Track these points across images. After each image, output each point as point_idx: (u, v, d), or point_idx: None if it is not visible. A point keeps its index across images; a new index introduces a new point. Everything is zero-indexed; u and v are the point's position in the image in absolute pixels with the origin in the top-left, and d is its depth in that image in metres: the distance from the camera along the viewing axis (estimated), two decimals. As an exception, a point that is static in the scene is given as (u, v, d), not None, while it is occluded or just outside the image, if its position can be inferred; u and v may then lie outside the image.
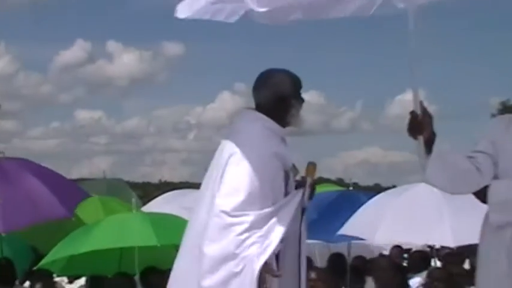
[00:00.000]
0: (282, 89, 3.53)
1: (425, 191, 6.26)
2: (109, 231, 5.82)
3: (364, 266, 7.49)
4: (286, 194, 3.46)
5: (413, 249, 8.99)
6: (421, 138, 3.32)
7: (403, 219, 6.18)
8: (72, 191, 6.88)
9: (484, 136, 3.59)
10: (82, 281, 7.63)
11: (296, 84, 3.59)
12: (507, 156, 3.47)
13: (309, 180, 3.49)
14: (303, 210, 3.43)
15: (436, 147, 3.31)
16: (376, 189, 7.78)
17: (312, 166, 3.52)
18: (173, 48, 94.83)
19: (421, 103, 3.31)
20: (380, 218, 6.37)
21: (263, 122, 3.48)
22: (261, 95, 3.55)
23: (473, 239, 5.77)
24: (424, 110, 3.31)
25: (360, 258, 8.18)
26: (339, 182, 18.94)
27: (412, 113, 3.31)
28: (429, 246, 9.74)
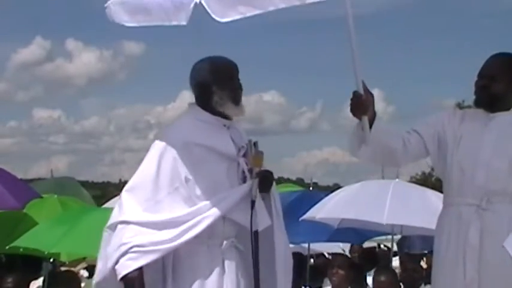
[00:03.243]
0: (200, 76, 3.40)
1: (380, 182, 6.89)
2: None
3: (324, 265, 7.55)
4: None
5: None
6: (365, 118, 3.31)
7: (350, 199, 6.46)
8: (23, 189, 6.85)
9: (431, 123, 3.59)
10: (39, 282, 7.53)
11: (218, 70, 3.38)
12: (461, 148, 3.49)
13: (255, 171, 3.33)
14: (253, 203, 3.26)
15: (373, 128, 3.32)
16: (335, 189, 7.84)
17: (257, 157, 3.36)
18: (134, 48, 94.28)
19: (363, 83, 3.27)
20: (330, 199, 6.65)
21: (194, 114, 3.40)
22: (190, 86, 3.48)
23: (404, 221, 6.20)
24: (366, 90, 3.29)
25: (321, 257, 8.28)
26: (299, 181, 19.06)
27: (355, 93, 3.27)
28: (386, 247, 9.90)
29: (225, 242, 3.30)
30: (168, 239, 3.15)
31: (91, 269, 8.37)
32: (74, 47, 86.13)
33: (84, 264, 8.61)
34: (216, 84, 3.37)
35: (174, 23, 3.07)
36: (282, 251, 3.37)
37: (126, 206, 3.24)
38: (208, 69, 3.40)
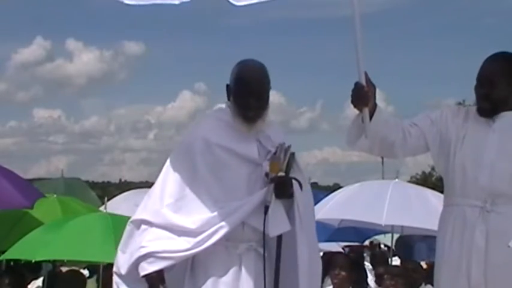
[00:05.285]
0: (230, 79, 3.40)
1: (379, 182, 6.69)
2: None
3: (324, 265, 7.54)
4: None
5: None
6: (366, 110, 3.27)
7: (349, 199, 6.52)
8: (29, 188, 6.86)
9: (434, 119, 3.53)
10: (39, 281, 7.54)
11: (238, 81, 3.35)
12: (464, 148, 3.45)
13: (270, 176, 3.28)
14: (266, 208, 3.22)
15: (373, 119, 3.29)
16: (335, 189, 7.84)
17: (274, 162, 3.31)
18: (134, 48, 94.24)
19: (365, 74, 3.23)
20: (329, 199, 6.71)
21: (221, 114, 3.42)
22: None
23: (403, 222, 6.23)
24: (369, 81, 3.25)
25: (326, 254, 8.27)
26: (299, 181, 18.99)
27: (357, 83, 3.23)
28: (387, 246, 9.91)
29: (241, 245, 3.30)
30: (183, 248, 3.25)
31: (91, 269, 8.38)
32: (74, 47, 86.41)
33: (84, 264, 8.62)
34: (233, 95, 3.37)
35: (177, 1, 3.01)
36: (306, 257, 3.28)
37: (151, 202, 3.36)
38: (234, 75, 3.39)
